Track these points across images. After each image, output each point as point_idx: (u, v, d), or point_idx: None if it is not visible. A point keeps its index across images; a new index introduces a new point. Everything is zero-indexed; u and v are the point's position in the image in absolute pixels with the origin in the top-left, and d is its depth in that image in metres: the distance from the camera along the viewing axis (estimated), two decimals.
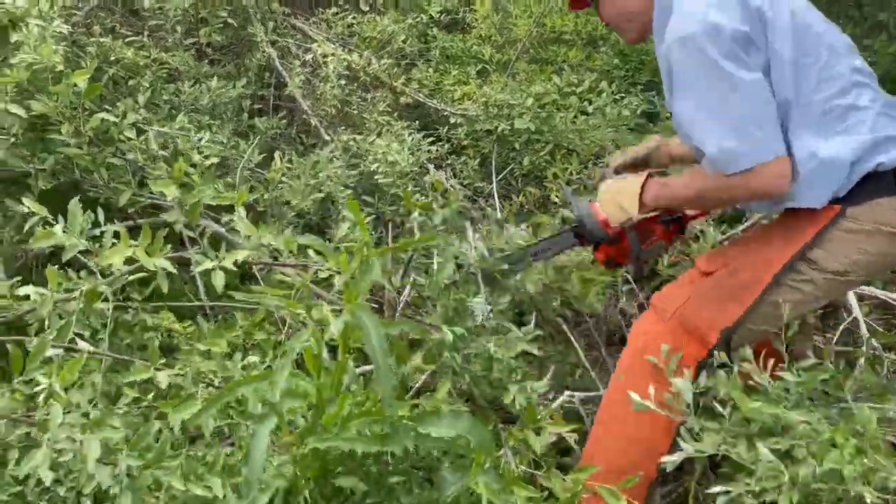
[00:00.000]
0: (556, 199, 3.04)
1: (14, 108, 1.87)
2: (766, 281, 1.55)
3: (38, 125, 2.18)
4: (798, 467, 1.26)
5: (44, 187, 2.13)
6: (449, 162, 3.23)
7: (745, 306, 1.56)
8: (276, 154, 2.37)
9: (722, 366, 1.58)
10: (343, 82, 3.30)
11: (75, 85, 1.86)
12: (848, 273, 1.53)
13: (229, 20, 3.14)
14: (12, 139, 2.04)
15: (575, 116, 3.12)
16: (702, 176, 1.57)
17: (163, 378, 1.38)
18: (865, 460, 1.22)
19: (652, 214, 1.72)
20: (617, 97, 3.06)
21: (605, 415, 1.67)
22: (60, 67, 1.89)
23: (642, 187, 1.68)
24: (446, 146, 3.33)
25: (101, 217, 1.87)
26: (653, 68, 3.35)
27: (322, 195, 2.65)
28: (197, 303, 2.42)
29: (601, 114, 3.04)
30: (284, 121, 3.30)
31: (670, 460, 1.40)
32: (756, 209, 1.87)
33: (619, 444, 1.61)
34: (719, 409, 1.42)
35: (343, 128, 3.46)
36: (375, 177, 2.79)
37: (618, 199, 1.71)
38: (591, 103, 3.10)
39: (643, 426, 1.56)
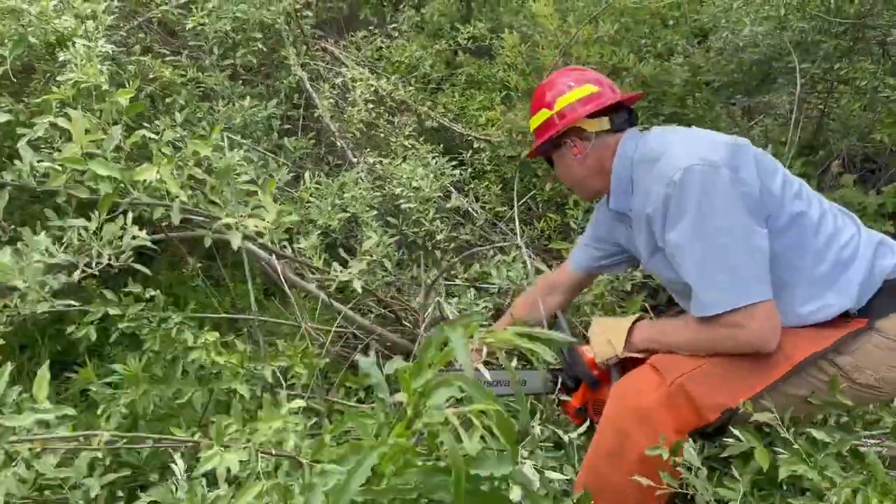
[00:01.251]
0: (574, 227, 3.09)
1: (62, 122, 1.95)
2: (784, 369, 1.51)
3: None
4: None
5: (82, 199, 2.21)
6: (472, 186, 3.28)
7: (755, 390, 1.51)
8: (306, 174, 2.44)
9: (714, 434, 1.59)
10: (370, 106, 3.38)
11: (118, 102, 1.94)
12: (880, 389, 1.50)
13: (261, 44, 3.23)
14: (55, 153, 2.13)
15: None
16: (687, 325, 1.57)
17: (232, 462, 1.25)
18: None
19: (639, 356, 1.68)
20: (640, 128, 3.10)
21: (594, 487, 1.60)
22: (105, 86, 1.97)
23: (633, 325, 1.69)
24: (469, 170, 3.39)
25: (129, 221, 1.95)
26: (677, 98, 3.39)
27: (347, 215, 2.71)
28: (224, 315, 2.49)
29: None
30: (312, 141, 3.38)
31: None
32: None
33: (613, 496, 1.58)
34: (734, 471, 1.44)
35: (368, 150, 3.53)
36: (399, 200, 2.85)
37: (607, 334, 1.71)
38: None
39: (637, 495, 1.53)
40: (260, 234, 2.23)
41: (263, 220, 2.07)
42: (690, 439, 1.53)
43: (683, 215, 1.46)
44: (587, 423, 1.77)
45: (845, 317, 1.51)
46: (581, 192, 1.82)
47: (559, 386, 1.83)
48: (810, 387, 1.53)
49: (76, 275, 1.72)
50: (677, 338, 1.60)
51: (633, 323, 1.70)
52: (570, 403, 1.80)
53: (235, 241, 1.96)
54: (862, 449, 1.49)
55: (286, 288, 2.22)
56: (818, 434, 1.46)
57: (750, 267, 1.44)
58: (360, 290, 2.26)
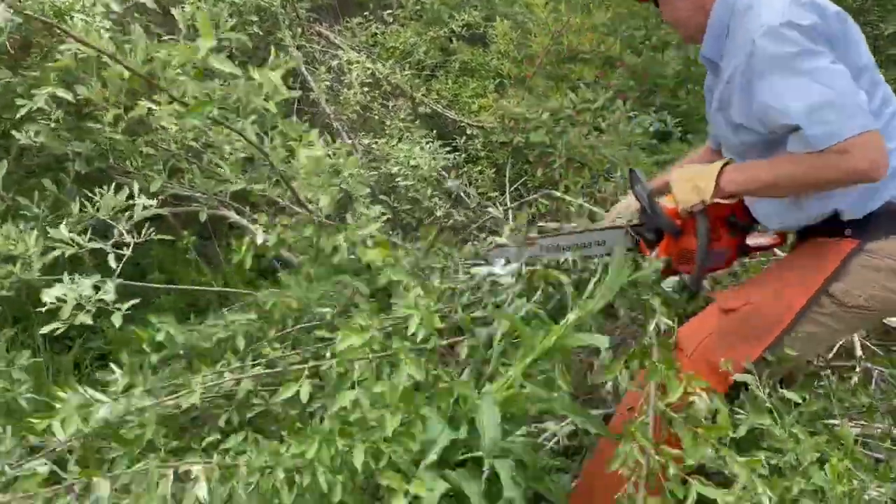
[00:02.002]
0: (572, 208, 3.13)
1: (62, 93, 1.96)
2: (787, 319, 1.55)
3: (78, 112, 2.29)
4: (783, 482, 1.31)
5: (80, 171, 2.23)
6: (465, 170, 3.32)
7: (766, 344, 1.56)
8: (301, 149, 2.46)
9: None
10: (366, 89, 3.41)
11: (121, 74, 1.96)
12: (868, 308, 1.54)
13: (257, 27, 3.25)
14: (53, 124, 2.14)
15: (588, 132, 3.21)
16: (786, 159, 1.52)
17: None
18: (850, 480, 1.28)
19: (726, 202, 1.61)
20: (631, 115, 3.16)
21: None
22: (112, 49, 1.97)
23: (721, 171, 1.61)
24: (462, 155, 3.43)
25: (136, 190, 1.97)
26: (669, 89, 3.44)
27: (341, 194, 2.74)
28: (216, 289, 2.52)
29: (614, 131, 3.13)
30: (308, 123, 3.39)
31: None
32: (773, 222, 1.75)
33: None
34: None
35: (363, 133, 3.56)
36: (396, 179, 2.88)
37: (694, 181, 1.63)
38: (604, 120, 3.20)
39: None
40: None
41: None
42: None
43: (775, 67, 1.45)
44: (677, 276, 1.74)
45: (839, 230, 1.55)
46: (683, 33, 1.76)
47: (639, 243, 1.78)
48: (812, 326, 1.57)
49: (111, 260, 1.73)
50: (768, 174, 1.54)
51: (722, 168, 1.62)
52: (653, 257, 1.73)
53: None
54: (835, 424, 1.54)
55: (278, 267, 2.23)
56: (790, 394, 1.50)
57: (853, 100, 1.42)
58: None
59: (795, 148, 1.49)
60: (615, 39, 3.36)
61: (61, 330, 1.72)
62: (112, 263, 1.88)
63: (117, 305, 1.78)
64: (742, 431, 1.45)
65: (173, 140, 2.34)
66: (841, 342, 2.16)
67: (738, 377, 1.51)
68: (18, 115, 2.07)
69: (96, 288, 1.75)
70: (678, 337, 1.65)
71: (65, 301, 1.70)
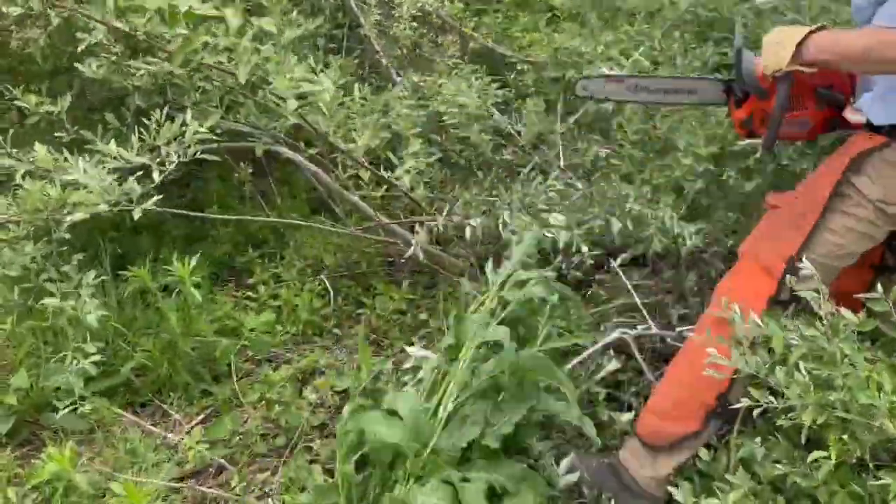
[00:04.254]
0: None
1: (119, 24, 1.98)
2: (819, 206, 1.58)
3: (134, 47, 2.32)
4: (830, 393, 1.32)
5: (140, 105, 2.27)
6: (516, 106, 3.27)
7: (805, 233, 1.58)
8: (356, 85, 2.46)
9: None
10: (414, 25, 3.35)
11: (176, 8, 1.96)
12: (888, 202, 1.54)
13: None
14: (114, 57, 2.18)
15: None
16: (875, 30, 1.46)
17: None
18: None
19: (809, 70, 1.55)
20: (690, 47, 3.04)
21: (682, 350, 1.73)
22: None
23: (809, 35, 1.54)
24: (512, 92, 3.37)
25: (189, 118, 2.00)
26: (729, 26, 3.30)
27: (389, 136, 2.73)
28: (270, 220, 2.57)
29: (672, 64, 3.03)
30: (357, 60, 3.38)
31: (738, 406, 1.49)
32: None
33: (684, 369, 1.69)
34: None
35: (412, 70, 3.52)
36: (444, 117, 2.86)
37: (779, 43, 1.57)
38: (661, 51, 3.09)
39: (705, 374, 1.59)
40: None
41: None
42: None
43: None
44: (754, 139, 1.74)
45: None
46: None
47: (730, 98, 1.74)
48: (845, 218, 1.58)
49: (156, 176, 1.77)
50: (855, 45, 1.49)
51: (812, 32, 1.56)
52: (736, 114, 1.70)
53: (291, 105, 1.99)
54: None
55: (332, 204, 2.25)
56: (847, 314, 1.46)
57: None
58: (408, 184, 2.30)
59: (881, 20, 1.44)
60: None
61: (79, 219, 1.76)
62: (155, 177, 1.92)
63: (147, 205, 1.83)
64: (798, 353, 1.45)
65: (229, 74, 2.36)
66: None
67: (802, 293, 1.49)
68: (80, 49, 2.11)
69: None
70: (738, 250, 1.71)
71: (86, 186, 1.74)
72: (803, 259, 1.55)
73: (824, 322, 1.46)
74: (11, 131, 2.08)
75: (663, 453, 1.71)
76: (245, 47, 1.90)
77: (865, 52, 1.46)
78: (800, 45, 1.53)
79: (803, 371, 1.38)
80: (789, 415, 1.37)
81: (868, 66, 1.52)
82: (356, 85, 2.50)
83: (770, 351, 1.51)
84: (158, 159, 1.90)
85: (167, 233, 2.73)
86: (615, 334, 1.97)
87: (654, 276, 2.64)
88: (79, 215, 1.72)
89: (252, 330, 2.21)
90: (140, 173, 1.93)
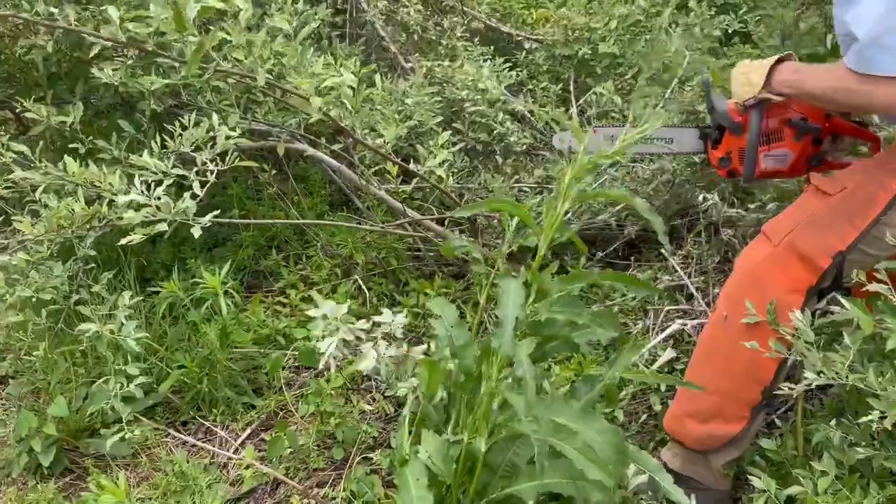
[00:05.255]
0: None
1: (132, 26, 1.87)
2: (883, 201, 1.49)
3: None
4: None
5: (156, 109, 2.16)
6: (530, 87, 3.19)
7: (860, 229, 1.51)
8: (377, 76, 2.36)
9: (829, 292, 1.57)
10: (419, 7, 3.25)
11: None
12: None
13: None
14: (129, 60, 2.06)
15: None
16: (837, 71, 1.45)
17: None
18: None
19: (778, 98, 1.58)
20: (708, 16, 2.97)
21: (704, 351, 1.66)
22: None
23: (776, 65, 1.58)
24: (524, 72, 3.29)
25: (216, 122, 1.90)
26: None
27: (414, 122, 2.64)
28: (303, 221, 2.47)
29: (689, 35, 2.96)
30: (362, 48, 3.27)
31: (797, 389, 1.44)
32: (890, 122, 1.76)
33: (718, 371, 1.61)
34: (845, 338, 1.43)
35: (417, 55, 3.42)
36: (465, 104, 2.77)
37: (748, 74, 1.60)
38: (677, 25, 3.02)
39: (746, 359, 1.55)
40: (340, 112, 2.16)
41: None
42: (800, 309, 1.51)
43: None
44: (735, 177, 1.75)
45: None
46: None
47: (708, 144, 1.77)
48: None
49: (197, 189, 1.67)
50: (816, 83, 1.51)
51: (779, 63, 1.60)
52: (713, 154, 1.73)
53: (316, 102, 1.90)
54: None
55: (356, 199, 2.17)
56: None
57: None
58: (444, 177, 2.23)
59: (850, 61, 1.40)
60: None
61: (137, 241, 1.68)
62: (197, 190, 1.83)
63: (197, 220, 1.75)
64: (893, 344, 1.39)
65: (248, 71, 2.25)
66: None
67: (873, 286, 1.45)
68: (92, 54, 1.99)
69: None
70: (765, 228, 1.61)
71: (136, 209, 1.66)
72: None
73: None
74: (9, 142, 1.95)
75: (714, 454, 1.67)
76: (261, 48, 1.79)
77: (826, 94, 1.49)
78: (768, 75, 1.57)
79: None
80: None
81: (829, 106, 1.55)
82: (377, 76, 2.40)
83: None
84: (196, 169, 1.80)
85: (186, 239, 2.62)
86: (674, 327, 1.91)
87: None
88: (137, 237, 1.62)
89: (300, 341, 2.12)
90: (170, 182, 1.84)
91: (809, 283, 1.54)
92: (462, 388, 1.32)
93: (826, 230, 1.53)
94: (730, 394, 1.61)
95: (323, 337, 1.58)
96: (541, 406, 1.17)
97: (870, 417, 1.38)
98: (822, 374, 1.44)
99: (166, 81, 1.93)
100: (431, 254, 2.63)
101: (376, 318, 1.62)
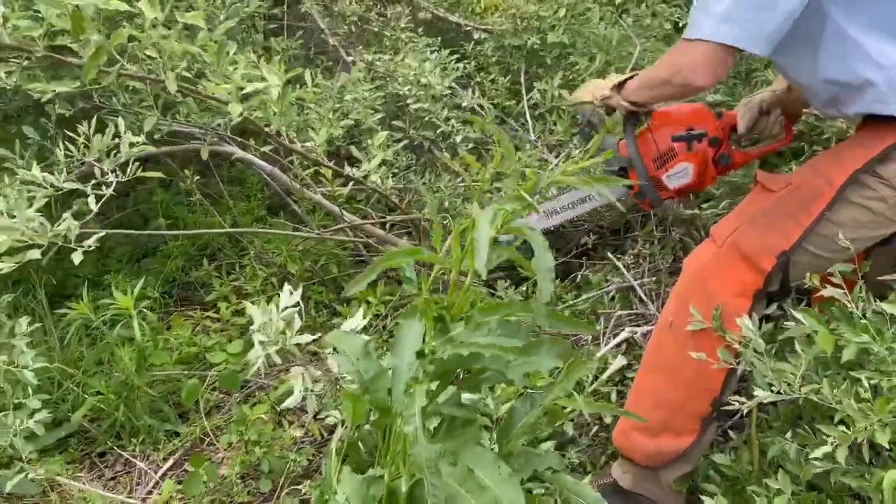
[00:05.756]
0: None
1: (25, 23, 1.69)
2: (828, 196, 1.42)
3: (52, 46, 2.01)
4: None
5: (63, 113, 1.98)
6: (478, 80, 3.06)
7: (804, 226, 1.43)
8: (307, 73, 2.21)
9: (780, 297, 1.49)
10: None
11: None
12: None
13: None
14: (25, 62, 1.88)
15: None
16: (670, 53, 1.49)
17: None
18: None
19: (628, 106, 1.59)
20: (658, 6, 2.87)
21: (650, 359, 1.58)
22: None
23: (624, 83, 1.60)
24: (472, 63, 3.15)
25: (122, 127, 1.74)
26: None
27: (351, 122, 2.49)
28: (227, 230, 2.31)
29: (639, 25, 2.85)
30: (300, 41, 3.11)
31: (748, 405, 1.35)
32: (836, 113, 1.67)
33: (666, 381, 1.53)
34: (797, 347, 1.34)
35: (360, 47, 3.27)
36: (408, 101, 2.63)
37: (592, 84, 1.68)
38: (627, 13, 2.91)
39: (694, 369, 1.47)
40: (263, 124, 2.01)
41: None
42: (747, 314, 1.43)
43: None
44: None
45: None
46: None
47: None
48: (857, 210, 1.43)
49: (92, 205, 1.50)
50: (657, 73, 1.52)
51: (627, 80, 1.62)
52: (631, 192, 1.74)
53: (236, 110, 1.75)
54: None
55: (292, 203, 2.03)
56: (889, 307, 1.34)
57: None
58: (379, 182, 2.10)
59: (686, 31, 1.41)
60: None
61: (8, 269, 1.50)
62: (92, 206, 1.66)
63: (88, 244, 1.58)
64: (849, 355, 1.30)
65: (163, 70, 2.08)
66: None
67: (828, 291, 1.36)
68: None
69: None
70: (712, 229, 1.54)
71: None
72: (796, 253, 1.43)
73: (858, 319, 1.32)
74: None
75: (664, 469, 1.59)
76: (171, 50, 1.62)
77: (665, 78, 1.47)
78: (619, 90, 1.60)
79: (865, 382, 1.21)
80: (852, 430, 1.21)
81: (675, 93, 1.50)
82: (307, 72, 2.24)
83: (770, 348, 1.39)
84: (93, 181, 1.63)
85: (110, 251, 2.45)
86: (624, 334, 1.80)
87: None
88: (5, 266, 1.44)
89: (220, 364, 1.97)
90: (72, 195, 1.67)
91: (756, 286, 1.46)
92: (378, 424, 1.19)
93: (769, 228, 1.46)
94: (678, 405, 1.53)
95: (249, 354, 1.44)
96: (449, 453, 1.05)
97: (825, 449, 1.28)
98: (772, 387, 1.35)
99: (62, 89, 1.74)
100: (375, 258, 2.49)
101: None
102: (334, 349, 1.41)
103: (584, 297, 2.31)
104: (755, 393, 1.35)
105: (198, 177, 2.51)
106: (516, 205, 1.15)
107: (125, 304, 1.76)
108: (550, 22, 3.01)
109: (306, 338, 1.38)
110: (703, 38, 1.34)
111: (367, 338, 1.24)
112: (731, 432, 1.78)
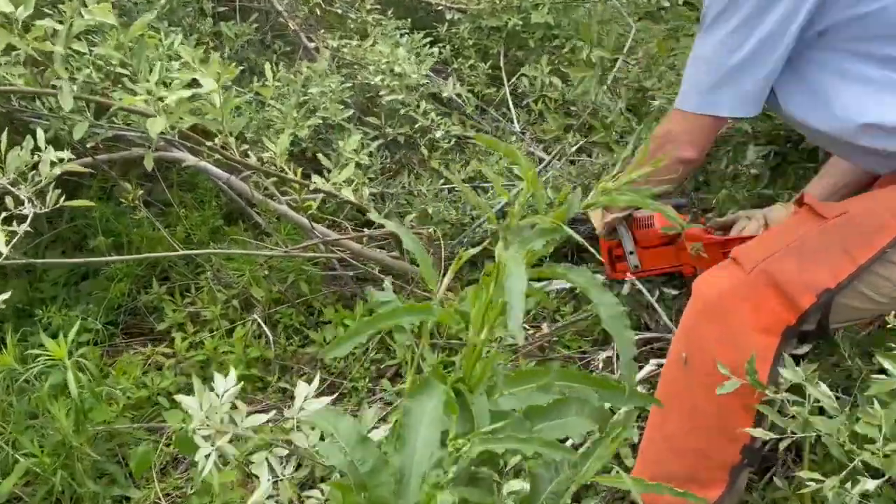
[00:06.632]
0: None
1: None
2: (893, 230, 1.21)
3: None
4: None
5: None
6: (455, 66, 2.78)
7: (859, 263, 1.21)
8: (266, 65, 1.90)
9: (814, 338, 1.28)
10: None
11: None
12: None
13: None
14: None
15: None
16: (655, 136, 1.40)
17: None
18: None
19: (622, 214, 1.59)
20: None
21: (665, 396, 1.34)
22: None
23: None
24: (448, 48, 2.87)
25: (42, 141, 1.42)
26: None
27: (319, 121, 2.19)
28: (176, 253, 2.00)
29: (633, 3, 2.60)
30: (255, 25, 2.78)
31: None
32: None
33: (684, 426, 1.31)
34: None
35: (323, 31, 2.96)
36: (381, 92, 2.34)
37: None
38: None
39: (715, 413, 1.26)
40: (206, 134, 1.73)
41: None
42: (775, 355, 1.23)
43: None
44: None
45: None
46: None
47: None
48: None
49: (2, 247, 1.19)
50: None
51: None
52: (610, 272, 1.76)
53: (156, 126, 1.45)
54: None
55: (253, 214, 1.74)
56: None
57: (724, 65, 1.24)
58: (352, 199, 1.82)
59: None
60: None
61: None
62: (1, 247, 1.33)
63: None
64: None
65: (93, 65, 1.76)
66: None
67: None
68: None
69: None
70: (735, 250, 1.31)
71: None
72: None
73: None
74: None
75: None
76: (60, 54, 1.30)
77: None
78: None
79: None
80: None
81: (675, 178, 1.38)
82: (266, 65, 1.93)
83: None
84: (5, 214, 1.31)
85: (43, 274, 2.13)
86: (650, 367, 1.57)
87: None
88: None
89: (178, 421, 1.67)
90: None
91: (787, 322, 1.23)
92: None
93: (813, 261, 1.23)
94: (701, 453, 1.30)
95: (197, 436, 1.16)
96: None
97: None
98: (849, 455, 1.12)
99: None
100: (351, 273, 2.21)
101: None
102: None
103: (584, 309, 2.07)
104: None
105: (143, 184, 2.19)
106: (547, 238, 0.88)
107: (58, 355, 1.46)
108: (533, 1, 2.74)
109: (261, 418, 1.12)
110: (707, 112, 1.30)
111: (361, 426, 0.98)
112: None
